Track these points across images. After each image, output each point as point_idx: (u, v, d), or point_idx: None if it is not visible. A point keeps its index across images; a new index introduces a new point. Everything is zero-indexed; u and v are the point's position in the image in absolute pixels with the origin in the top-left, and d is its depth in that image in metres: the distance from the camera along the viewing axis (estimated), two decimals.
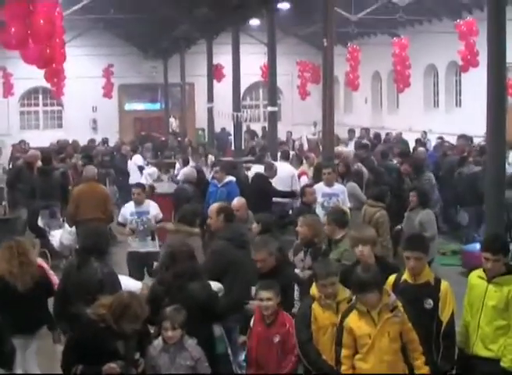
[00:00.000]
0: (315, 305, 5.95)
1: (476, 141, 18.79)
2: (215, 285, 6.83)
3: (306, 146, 24.02)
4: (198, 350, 5.75)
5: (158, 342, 5.77)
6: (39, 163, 14.68)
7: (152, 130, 32.60)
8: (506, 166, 11.92)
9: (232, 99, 20.91)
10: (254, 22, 24.54)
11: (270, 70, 17.90)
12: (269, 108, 17.90)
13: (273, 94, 17.93)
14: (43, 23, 8.66)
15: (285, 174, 13.49)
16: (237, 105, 20.66)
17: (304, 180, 14.02)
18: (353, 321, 5.57)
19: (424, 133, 22.56)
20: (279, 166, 13.95)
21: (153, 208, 11.06)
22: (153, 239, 10.93)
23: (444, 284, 6.00)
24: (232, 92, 20.71)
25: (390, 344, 5.49)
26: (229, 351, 6.65)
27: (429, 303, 5.84)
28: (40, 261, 7.72)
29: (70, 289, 7.08)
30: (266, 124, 32.73)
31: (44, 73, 14.96)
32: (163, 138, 28.97)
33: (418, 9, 22.56)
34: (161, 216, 11.18)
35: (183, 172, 14.26)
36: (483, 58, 18.01)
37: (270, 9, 17.48)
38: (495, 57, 9.07)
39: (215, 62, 25.61)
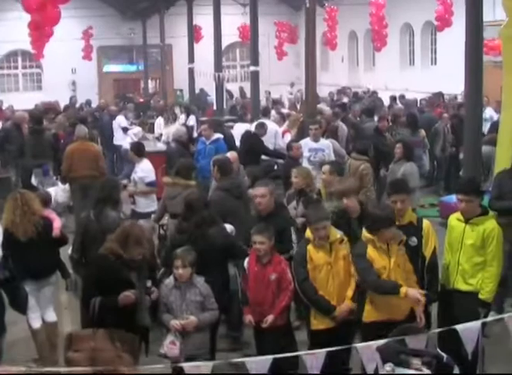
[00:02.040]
0: (310, 247, 6.51)
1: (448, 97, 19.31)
2: (228, 227, 7.40)
3: (286, 105, 24.41)
4: (206, 286, 6.31)
5: (169, 281, 6.30)
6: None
7: (130, 91, 32.84)
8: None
9: (213, 59, 21.18)
10: None
11: (252, 30, 18.18)
12: (251, 68, 18.22)
13: (255, 54, 18.23)
14: None
15: (270, 131, 13.97)
16: (219, 65, 20.95)
17: (288, 137, 14.51)
18: (372, 253, 6.16)
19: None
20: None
21: (139, 170, 10.84)
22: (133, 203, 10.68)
23: (426, 223, 6.55)
24: (214, 52, 21.00)
25: (403, 274, 6.14)
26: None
27: (413, 241, 6.37)
28: (48, 211, 8.15)
29: (89, 238, 7.58)
30: (243, 84, 33.33)
31: (32, 35, 15.18)
32: (141, 99, 29.19)
33: None
34: (149, 178, 10.83)
35: (171, 131, 14.60)
36: (458, 18, 18.57)
37: None
38: (472, 16, 9.49)
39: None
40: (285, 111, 18.58)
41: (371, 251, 6.18)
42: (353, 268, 6.37)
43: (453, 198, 12.04)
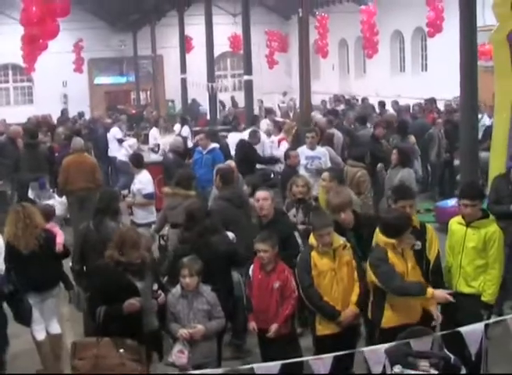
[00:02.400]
0: (314, 253, 6.59)
1: (440, 103, 19.45)
2: (230, 235, 7.49)
3: (278, 113, 24.55)
4: (213, 295, 6.39)
5: (175, 290, 6.38)
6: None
7: (121, 103, 32.93)
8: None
9: (205, 69, 21.28)
10: None
11: (244, 40, 18.30)
12: (245, 77, 18.36)
13: (248, 64, 18.35)
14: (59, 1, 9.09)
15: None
16: (211, 75, 21.06)
17: (284, 145, 14.64)
18: (392, 258, 6.24)
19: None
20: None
21: (137, 182, 10.90)
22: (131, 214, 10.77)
23: (429, 228, 6.70)
24: (207, 62, 21.09)
25: (417, 277, 6.28)
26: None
27: (418, 245, 6.48)
28: (51, 225, 8.22)
29: (89, 248, 7.68)
30: (234, 93, 33.49)
31: (24, 49, 15.23)
32: (133, 111, 29.28)
33: None
34: (146, 190, 10.86)
35: (169, 141, 14.67)
36: (448, 24, 18.75)
37: None
38: (466, 21, 9.60)
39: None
40: (278, 119, 18.67)
41: (391, 256, 6.25)
42: (372, 273, 6.35)
43: (448, 203, 12.22)
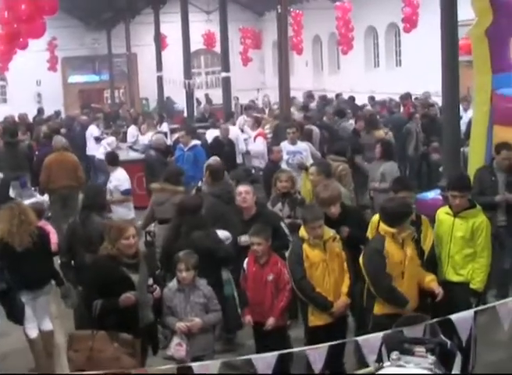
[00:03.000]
0: (305, 245, 6.70)
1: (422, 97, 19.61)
2: (223, 233, 7.51)
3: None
4: (209, 289, 6.47)
5: (172, 284, 6.45)
6: None
7: (95, 101, 32.77)
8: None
9: (182, 67, 21.32)
10: None
11: (222, 37, 18.37)
12: (223, 74, 18.45)
13: (226, 61, 18.42)
14: None
15: (230, 136, 14.30)
16: (188, 73, 21.09)
17: (260, 140, 14.74)
18: (390, 247, 6.37)
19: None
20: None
21: (114, 179, 11.15)
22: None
23: (424, 219, 6.89)
24: (183, 60, 21.13)
25: (416, 269, 6.46)
26: (236, 294, 7.34)
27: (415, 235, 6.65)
28: (43, 222, 8.25)
29: (76, 243, 7.78)
30: (209, 91, 33.51)
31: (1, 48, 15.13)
32: (108, 109, 29.16)
33: None
34: (123, 187, 11.15)
35: (151, 138, 14.67)
36: (423, 20, 18.96)
37: None
38: (447, 15, 9.74)
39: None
40: (257, 115, 18.72)
41: (388, 246, 6.37)
42: (362, 263, 6.51)
43: (428, 195, 12.38)
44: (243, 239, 7.32)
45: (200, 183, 10.13)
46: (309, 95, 24.42)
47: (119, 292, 6.03)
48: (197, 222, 7.19)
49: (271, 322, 6.77)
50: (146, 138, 16.71)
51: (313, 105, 20.93)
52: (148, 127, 17.54)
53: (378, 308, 6.46)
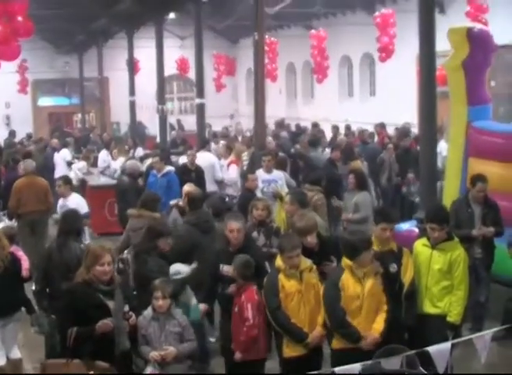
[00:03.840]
0: (281, 276, 6.67)
1: (389, 129, 19.86)
2: (182, 268, 7.38)
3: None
4: (184, 318, 6.46)
5: (147, 312, 6.42)
6: None
7: (64, 125, 32.73)
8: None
9: (155, 92, 21.40)
10: (170, 15, 25.11)
11: (197, 63, 18.45)
12: (197, 100, 18.51)
13: (201, 87, 18.51)
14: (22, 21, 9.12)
15: (206, 164, 14.32)
16: (161, 98, 21.15)
17: (233, 168, 14.78)
18: (347, 280, 6.40)
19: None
20: (200, 155, 14.71)
21: (74, 202, 11.13)
22: None
23: (406, 251, 6.93)
24: (157, 85, 21.21)
25: (376, 304, 6.43)
26: (204, 322, 7.33)
27: (394, 267, 6.73)
28: (14, 248, 8.19)
29: (52, 269, 7.71)
30: (181, 117, 33.58)
31: None
32: (78, 134, 29.05)
33: (332, 2, 23.60)
34: (84, 210, 11.13)
35: (125, 164, 14.64)
36: (397, 50, 19.23)
37: (196, 2, 18.02)
38: (425, 46, 9.87)
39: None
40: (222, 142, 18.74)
41: (345, 279, 6.40)
42: (322, 294, 6.57)
43: (402, 227, 12.47)
44: (226, 269, 7.30)
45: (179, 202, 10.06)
46: (280, 124, 24.53)
47: (95, 319, 5.98)
48: (151, 248, 7.30)
49: (236, 356, 6.81)
50: (117, 163, 16.69)
51: (284, 133, 20.96)
52: (120, 152, 17.54)
53: (336, 343, 6.52)
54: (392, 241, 7.00)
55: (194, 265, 7.48)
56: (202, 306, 7.39)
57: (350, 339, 6.37)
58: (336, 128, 21.71)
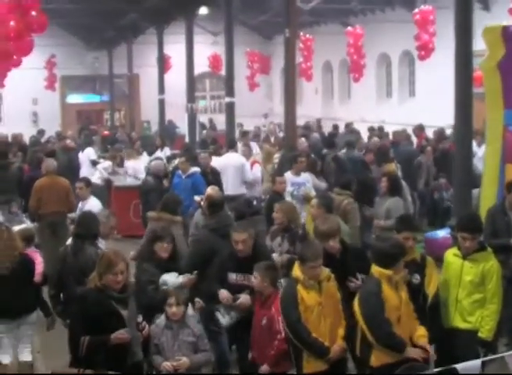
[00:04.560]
0: (300, 287, 6.49)
1: (428, 130, 19.63)
2: (170, 278, 7.16)
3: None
4: (199, 327, 6.36)
5: (160, 320, 6.34)
6: None
7: (93, 123, 32.86)
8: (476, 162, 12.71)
9: (185, 90, 21.37)
10: (201, 11, 25.04)
11: (227, 60, 18.40)
12: (227, 99, 18.47)
13: (230, 85, 18.45)
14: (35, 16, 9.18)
15: (236, 164, 14.27)
16: (191, 96, 21.13)
17: (257, 168, 14.69)
18: (387, 291, 6.25)
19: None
20: (228, 156, 14.68)
21: (89, 206, 10.94)
22: None
23: (430, 261, 6.79)
24: (186, 83, 21.19)
25: (411, 313, 6.32)
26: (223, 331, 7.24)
27: (416, 278, 6.59)
28: (31, 250, 8.19)
29: (67, 274, 7.66)
30: (213, 116, 33.60)
31: None
32: (106, 132, 29.20)
33: None
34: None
35: (150, 164, 14.64)
36: (438, 48, 18.99)
37: None
38: (462, 45, 9.70)
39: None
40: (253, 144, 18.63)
41: (385, 289, 6.24)
42: (358, 307, 6.36)
43: (438, 234, 12.25)
44: (234, 277, 7.21)
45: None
46: (306, 127, 24.34)
47: (109, 328, 5.93)
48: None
49: (264, 369, 6.65)
50: (129, 167, 16.70)
51: (315, 134, 20.78)
52: (129, 157, 17.44)
53: (376, 359, 6.28)
54: (415, 250, 6.87)
55: (187, 276, 7.26)
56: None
57: (399, 349, 6.17)
58: (371, 129, 21.52)
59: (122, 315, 6.03)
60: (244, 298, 7.18)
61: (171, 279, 7.01)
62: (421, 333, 6.31)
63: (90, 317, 5.96)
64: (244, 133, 19.56)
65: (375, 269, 6.33)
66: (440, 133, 17.02)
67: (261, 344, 6.76)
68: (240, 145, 17.52)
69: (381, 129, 21.60)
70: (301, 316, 6.44)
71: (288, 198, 11.18)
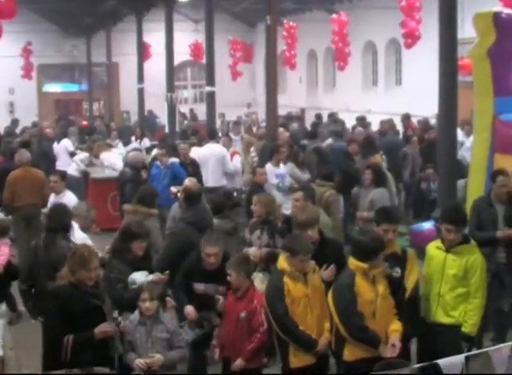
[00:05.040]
0: (287, 279, 6.50)
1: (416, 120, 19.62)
2: (139, 277, 7.00)
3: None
4: (173, 323, 6.31)
5: (134, 316, 6.29)
6: None
7: (72, 113, 32.66)
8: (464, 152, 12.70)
9: (165, 79, 21.25)
10: None
11: (207, 48, 18.33)
12: (207, 89, 18.43)
13: (211, 74, 18.39)
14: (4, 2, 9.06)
15: (216, 155, 14.24)
16: (171, 86, 21.03)
17: (237, 159, 14.63)
18: (361, 284, 6.22)
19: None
20: (208, 147, 14.63)
21: (67, 200, 10.67)
22: None
23: (411, 254, 6.76)
24: (166, 71, 21.08)
25: (388, 308, 6.28)
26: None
27: (397, 271, 6.55)
28: (2, 242, 8.12)
29: (38, 268, 7.59)
30: (194, 106, 33.48)
31: None
32: (84, 122, 29.03)
33: None
34: None
35: (107, 157, 14.54)
36: (425, 36, 18.92)
37: None
38: (446, 34, 9.67)
39: None
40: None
41: (360, 282, 6.22)
42: (331, 300, 6.36)
43: (424, 226, 12.24)
44: (200, 287, 7.22)
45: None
46: (288, 117, 24.29)
47: (90, 323, 5.90)
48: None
49: (238, 363, 6.63)
50: (104, 158, 16.60)
51: (294, 125, 20.69)
52: (99, 149, 17.27)
53: (349, 354, 6.29)
54: (396, 243, 6.83)
55: (158, 275, 7.11)
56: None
57: (372, 344, 6.16)
58: (360, 119, 21.44)
59: (102, 308, 6.02)
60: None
61: (140, 278, 6.90)
62: (394, 327, 6.28)
63: (71, 314, 5.90)
64: (236, 124, 19.49)
65: (351, 262, 6.32)
66: (425, 123, 16.99)
67: (237, 339, 6.72)
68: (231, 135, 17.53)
69: (363, 118, 21.56)
70: (288, 309, 6.44)
71: (274, 191, 11.15)
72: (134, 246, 7.11)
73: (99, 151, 16.99)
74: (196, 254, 7.37)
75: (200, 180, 12.91)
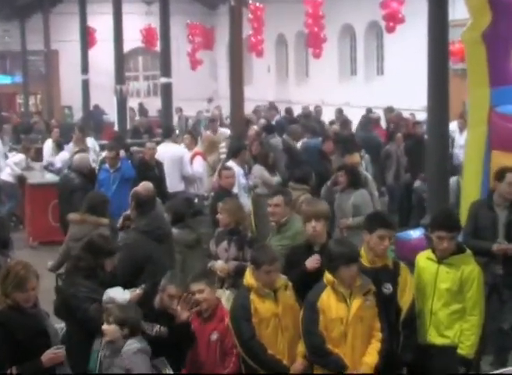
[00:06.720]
0: (253, 296, 6.53)
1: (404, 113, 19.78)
2: (119, 294, 6.90)
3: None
4: (132, 359, 6.11)
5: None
6: None
7: (5, 108, 32.50)
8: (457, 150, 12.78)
9: (114, 69, 21.18)
10: None
11: (162, 33, 18.31)
12: (162, 80, 18.40)
13: (166, 63, 18.37)
14: None
15: (173, 157, 14.17)
16: (120, 77, 20.97)
17: (199, 161, 14.61)
18: (328, 299, 6.25)
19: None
20: (164, 146, 14.64)
21: None
22: None
23: (404, 268, 6.73)
24: (114, 61, 21.00)
25: (366, 331, 6.27)
26: None
27: (388, 288, 6.54)
28: None
29: None
30: (146, 99, 33.44)
31: None
32: (18, 119, 28.87)
33: None
34: None
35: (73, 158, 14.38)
36: (409, 19, 19.09)
37: None
38: (436, 13, 9.70)
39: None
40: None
41: (326, 298, 6.26)
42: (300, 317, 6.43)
43: (411, 235, 12.31)
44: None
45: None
46: (272, 107, 24.45)
47: (36, 350, 5.85)
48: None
49: None
50: (62, 157, 16.51)
51: (262, 121, 20.74)
52: (77, 143, 17.09)
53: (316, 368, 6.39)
54: (387, 254, 6.84)
55: (139, 290, 7.09)
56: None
57: (333, 370, 6.20)
58: (340, 112, 21.54)
59: (48, 332, 5.99)
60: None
61: (118, 295, 6.84)
62: (366, 360, 6.28)
63: (17, 342, 5.83)
64: (212, 120, 19.43)
65: (325, 274, 6.38)
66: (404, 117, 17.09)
67: (209, 365, 6.70)
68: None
69: (340, 111, 21.67)
70: (255, 331, 6.47)
71: (243, 198, 11.18)
72: (108, 263, 7.07)
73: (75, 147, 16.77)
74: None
75: (163, 183, 12.92)
